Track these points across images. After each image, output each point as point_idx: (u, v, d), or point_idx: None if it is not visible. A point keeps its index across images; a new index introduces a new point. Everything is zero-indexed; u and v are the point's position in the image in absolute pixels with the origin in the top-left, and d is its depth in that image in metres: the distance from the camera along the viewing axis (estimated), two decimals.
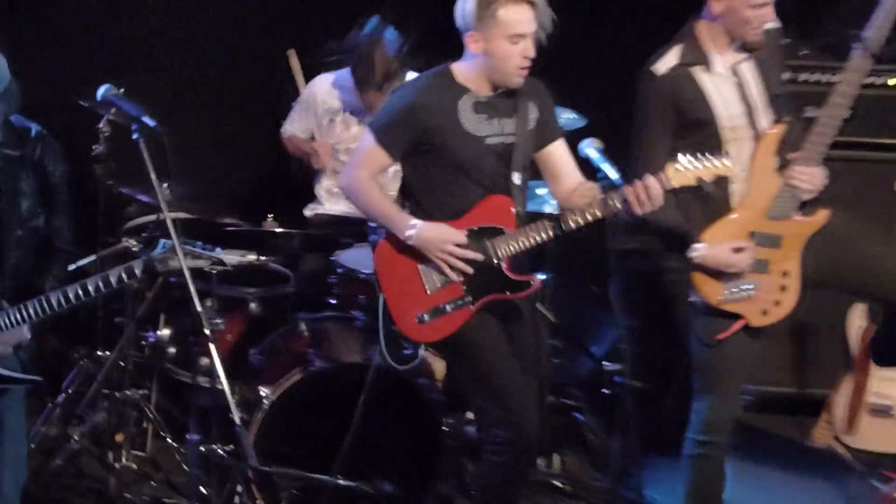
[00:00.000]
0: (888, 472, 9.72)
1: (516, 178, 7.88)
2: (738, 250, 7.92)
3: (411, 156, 7.89)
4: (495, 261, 7.77)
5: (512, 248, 7.78)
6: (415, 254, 7.85)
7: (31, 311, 7.16)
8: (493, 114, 7.86)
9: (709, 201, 8.07)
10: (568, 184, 8.07)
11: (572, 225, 7.81)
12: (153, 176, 7.34)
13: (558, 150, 8.08)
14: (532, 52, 7.69)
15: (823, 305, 9.03)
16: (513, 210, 7.86)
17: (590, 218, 7.82)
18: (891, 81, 10.29)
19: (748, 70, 7.92)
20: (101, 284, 7.24)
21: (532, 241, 7.80)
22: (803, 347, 9.70)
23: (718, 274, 7.95)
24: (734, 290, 7.99)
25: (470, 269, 7.75)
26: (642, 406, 9.05)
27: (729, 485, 8.69)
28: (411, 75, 9.85)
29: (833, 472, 9.95)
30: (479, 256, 7.74)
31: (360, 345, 9.07)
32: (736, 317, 7.97)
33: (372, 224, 8.83)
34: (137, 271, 7.32)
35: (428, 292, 7.84)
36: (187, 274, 7.30)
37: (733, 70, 7.95)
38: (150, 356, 9.41)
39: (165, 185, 7.71)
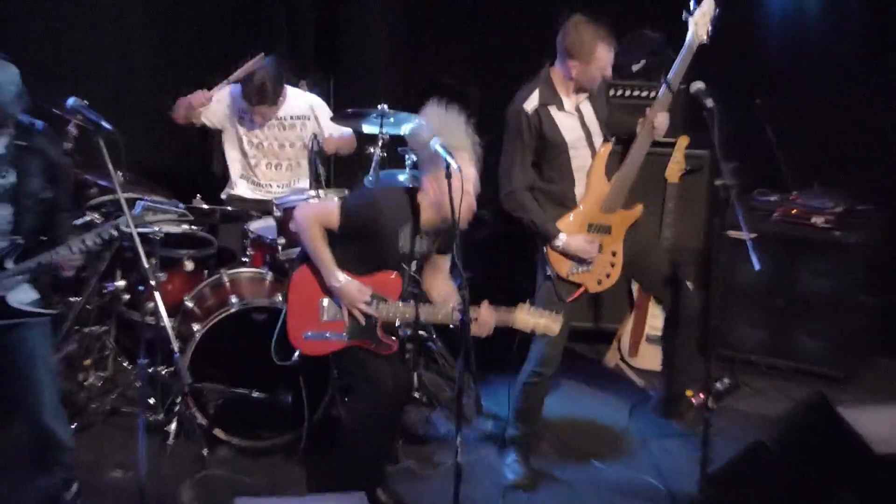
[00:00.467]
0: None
1: (413, 266, 8.70)
2: (589, 241, 9.29)
3: (350, 232, 8.61)
4: (374, 321, 8.63)
5: (390, 316, 8.65)
6: (323, 290, 8.67)
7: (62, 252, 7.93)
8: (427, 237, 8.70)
9: (559, 201, 9.38)
10: (439, 286, 8.96)
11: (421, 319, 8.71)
12: (110, 166, 7.99)
13: (443, 260, 8.99)
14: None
15: None
16: (400, 288, 8.69)
17: (433, 320, 8.85)
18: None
19: (586, 106, 9.24)
20: (97, 238, 8.02)
21: (395, 318, 8.67)
22: (598, 294, 9.96)
23: (568, 255, 9.27)
24: (578, 267, 9.32)
25: (362, 321, 8.58)
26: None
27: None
28: (292, 90, 10.72)
29: (620, 385, 10.96)
30: (374, 315, 8.58)
31: (267, 292, 10.00)
32: (579, 285, 9.36)
33: (277, 202, 9.86)
34: (116, 231, 8.06)
35: (321, 320, 8.69)
36: (137, 239, 7.87)
37: (577, 108, 9.26)
38: (110, 301, 10.24)
39: (119, 173, 8.36)
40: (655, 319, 10.85)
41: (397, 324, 8.71)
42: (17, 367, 8.33)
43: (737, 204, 8.84)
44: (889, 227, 11.08)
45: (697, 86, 8.91)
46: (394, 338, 8.71)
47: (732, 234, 9.50)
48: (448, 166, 8.10)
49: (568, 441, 10.15)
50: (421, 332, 9.23)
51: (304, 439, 9.71)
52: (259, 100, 10.41)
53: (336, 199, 8.78)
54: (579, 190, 9.38)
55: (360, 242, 8.62)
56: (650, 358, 10.82)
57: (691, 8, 9.18)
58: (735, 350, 10.93)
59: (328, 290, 8.63)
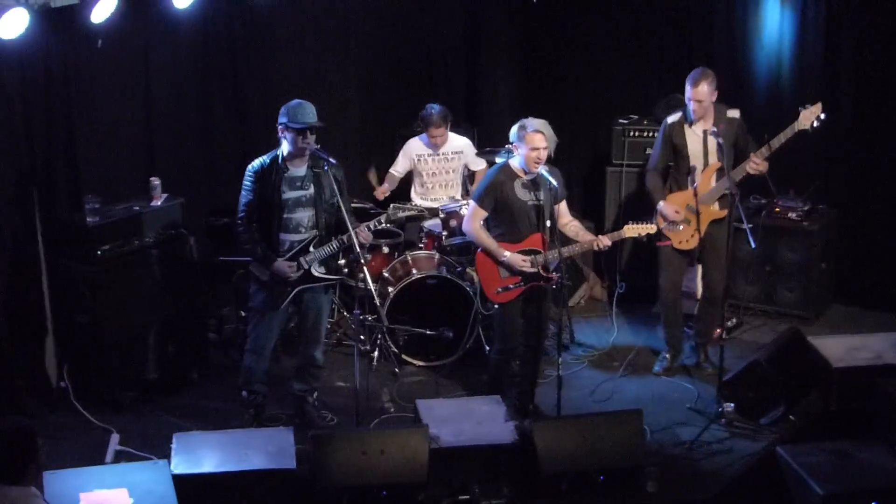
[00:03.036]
0: None
1: (548, 223, 8.46)
2: (675, 212, 9.21)
3: (493, 206, 8.58)
4: (535, 268, 8.51)
5: (541, 261, 8.49)
6: (495, 262, 8.58)
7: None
8: (531, 188, 8.54)
9: (679, 185, 9.36)
10: (568, 227, 8.79)
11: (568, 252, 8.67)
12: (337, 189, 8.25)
13: (563, 208, 8.79)
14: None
15: None
16: (543, 242, 8.51)
17: (574, 253, 8.82)
18: None
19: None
20: (376, 223, 8.55)
21: (546, 262, 8.49)
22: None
23: (664, 216, 9.24)
24: (669, 226, 9.29)
25: (528, 270, 8.54)
26: None
27: None
28: (452, 134, 10.59)
29: None
30: (532, 266, 8.52)
31: (436, 265, 9.98)
32: (667, 238, 9.34)
33: (442, 208, 10.03)
34: (382, 221, 8.68)
35: (501, 278, 8.60)
36: (355, 240, 8.17)
37: (703, 131, 9.17)
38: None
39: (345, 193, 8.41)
40: (688, 280, 10.52)
41: (551, 266, 8.53)
42: (310, 314, 8.73)
43: (739, 205, 9.00)
44: (837, 219, 11.00)
45: (711, 129, 9.11)
46: (553, 274, 8.57)
47: (737, 224, 9.30)
48: (521, 137, 8.36)
49: (631, 360, 10.18)
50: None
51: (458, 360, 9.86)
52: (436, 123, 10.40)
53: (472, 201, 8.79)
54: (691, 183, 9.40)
55: (502, 212, 8.56)
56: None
57: (805, 104, 9.09)
58: (739, 300, 10.71)
59: (500, 263, 8.59)
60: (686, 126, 9.30)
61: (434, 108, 10.37)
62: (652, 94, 10.55)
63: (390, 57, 12.08)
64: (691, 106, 9.13)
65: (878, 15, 10.65)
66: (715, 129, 9.15)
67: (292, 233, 8.47)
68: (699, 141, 9.34)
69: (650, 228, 8.80)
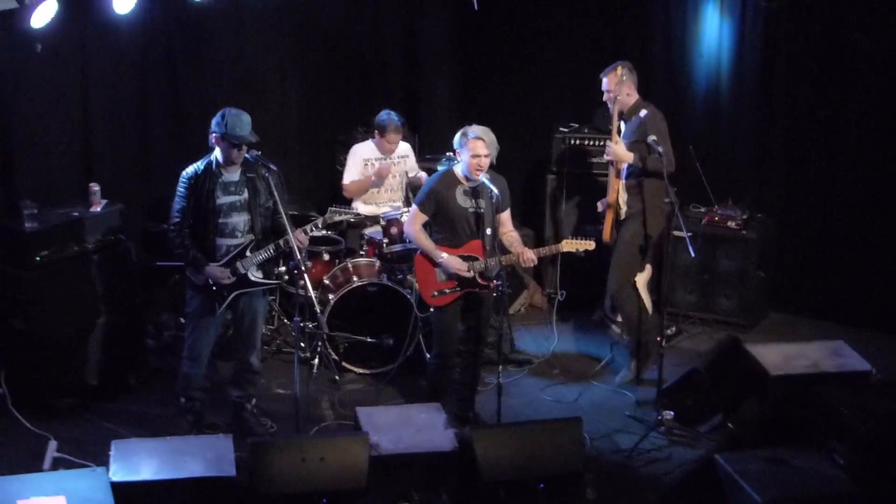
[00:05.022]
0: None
1: (488, 231, 8.60)
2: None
3: (433, 211, 8.62)
4: (472, 273, 8.58)
5: (479, 268, 8.54)
6: (433, 265, 8.63)
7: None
8: (472, 195, 8.57)
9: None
10: (507, 237, 8.80)
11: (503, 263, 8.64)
12: (276, 192, 8.27)
13: (505, 216, 8.77)
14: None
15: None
16: (482, 249, 8.59)
17: (508, 263, 8.76)
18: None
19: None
20: (311, 228, 8.60)
21: (483, 269, 8.54)
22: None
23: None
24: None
25: (464, 273, 8.57)
26: None
27: None
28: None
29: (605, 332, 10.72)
30: (468, 273, 8.57)
31: (376, 273, 9.91)
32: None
33: (383, 216, 9.90)
34: (315, 227, 8.67)
35: (437, 282, 8.65)
36: (294, 242, 8.14)
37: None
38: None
39: (285, 196, 8.50)
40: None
41: (487, 272, 8.56)
42: (246, 318, 8.68)
43: (678, 214, 9.10)
44: (775, 228, 11.09)
45: (651, 138, 9.14)
46: (488, 282, 8.60)
47: (676, 233, 9.42)
48: (463, 144, 8.41)
49: (571, 368, 10.22)
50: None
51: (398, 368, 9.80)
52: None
53: (414, 205, 8.81)
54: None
55: (442, 218, 8.62)
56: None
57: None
58: (677, 308, 10.79)
59: (437, 264, 8.64)
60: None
61: (392, 115, 10.35)
62: (592, 101, 10.55)
63: (329, 62, 12.10)
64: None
65: (813, 25, 10.80)
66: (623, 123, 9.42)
67: (228, 237, 8.47)
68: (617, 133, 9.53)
69: (588, 245, 8.80)
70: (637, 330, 9.75)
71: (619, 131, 9.46)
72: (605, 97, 9.48)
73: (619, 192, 9.45)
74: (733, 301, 10.92)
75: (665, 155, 9.13)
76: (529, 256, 8.64)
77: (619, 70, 9.38)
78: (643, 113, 9.37)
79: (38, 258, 8.86)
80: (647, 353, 9.70)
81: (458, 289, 8.67)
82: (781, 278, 11.29)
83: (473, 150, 8.41)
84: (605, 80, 9.43)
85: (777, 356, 8.85)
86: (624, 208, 9.47)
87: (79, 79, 9.75)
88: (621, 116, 9.53)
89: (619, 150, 9.36)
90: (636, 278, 9.77)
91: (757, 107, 11.04)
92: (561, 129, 11.32)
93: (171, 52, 10.56)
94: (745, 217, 10.86)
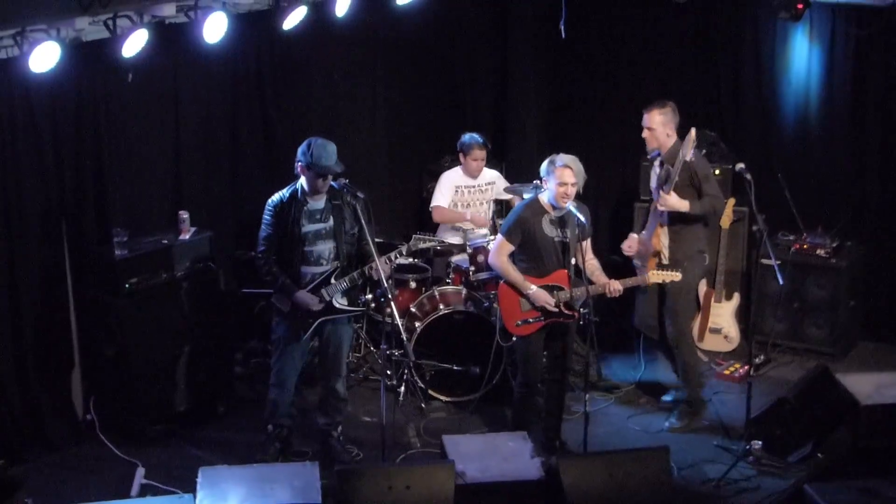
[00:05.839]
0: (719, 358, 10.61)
1: (572, 260, 8.56)
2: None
3: (519, 240, 8.62)
4: (559, 307, 8.59)
5: (565, 297, 8.56)
6: (518, 294, 8.63)
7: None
8: (558, 224, 8.59)
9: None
10: (589, 267, 8.71)
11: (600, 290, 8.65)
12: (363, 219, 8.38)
13: (586, 245, 8.67)
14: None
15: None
16: (567, 279, 8.58)
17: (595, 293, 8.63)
18: None
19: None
20: (396, 255, 8.63)
21: (568, 299, 8.55)
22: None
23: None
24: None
25: (550, 307, 8.61)
26: None
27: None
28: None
29: None
30: (554, 302, 8.54)
31: (463, 301, 9.99)
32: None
33: (470, 244, 9.93)
34: (400, 254, 8.71)
35: (522, 311, 8.65)
36: (381, 272, 8.31)
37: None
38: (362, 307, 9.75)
39: (372, 223, 8.57)
40: (717, 316, 10.79)
41: (572, 302, 8.58)
42: (331, 345, 8.72)
43: (767, 241, 9.05)
44: (865, 256, 10.99)
45: (740, 166, 9.09)
46: (574, 312, 8.65)
47: (764, 261, 9.42)
48: (551, 172, 8.42)
49: (657, 397, 10.14)
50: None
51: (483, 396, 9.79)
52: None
53: (500, 235, 8.80)
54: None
55: (528, 247, 8.61)
56: (713, 343, 10.85)
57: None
58: (767, 336, 10.68)
59: (524, 296, 8.62)
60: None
61: (473, 135, 10.44)
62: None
63: (418, 91, 12.20)
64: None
65: None
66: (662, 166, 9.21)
67: (314, 265, 8.53)
68: (654, 176, 9.41)
69: (675, 276, 8.81)
70: (692, 383, 9.66)
71: (667, 178, 9.12)
72: (643, 133, 9.30)
73: (660, 237, 9.31)
74: (823, 330, 10.81)
75: (716, 197, 9.17)
76: (616, 287, 8.64)
77: (668, 108, 9.24)
78: (689, 156, 9.01)
79: (127, 285, 8.94)
80: (698, 408, 9.64)
81: (542, 318, 8.67)
82: (872, 307, 11.18)
83: (561, 178, 8.40)
84: (646, 117, 9.24)
85: (868, 385, 8.76)
86: (666, 253, 9.31)
87: (170, 107, 9.84)
88: (658, 156, 9.41)
89: (672, 200, 9.09)
90: (722, 307, 9.92)
91: (847, 134, 10.92)
92: (649, 156, 11.18)
93: (261, 81, 10.64)
94: (834, 245, 10.77)
